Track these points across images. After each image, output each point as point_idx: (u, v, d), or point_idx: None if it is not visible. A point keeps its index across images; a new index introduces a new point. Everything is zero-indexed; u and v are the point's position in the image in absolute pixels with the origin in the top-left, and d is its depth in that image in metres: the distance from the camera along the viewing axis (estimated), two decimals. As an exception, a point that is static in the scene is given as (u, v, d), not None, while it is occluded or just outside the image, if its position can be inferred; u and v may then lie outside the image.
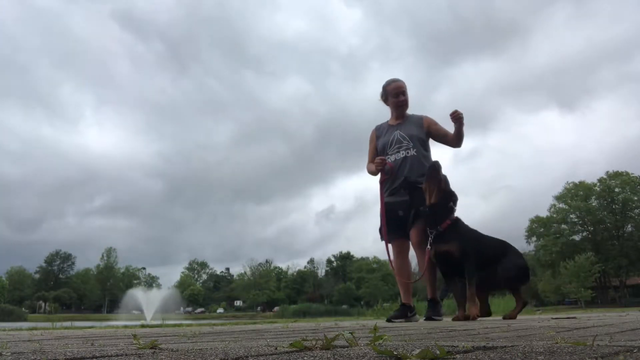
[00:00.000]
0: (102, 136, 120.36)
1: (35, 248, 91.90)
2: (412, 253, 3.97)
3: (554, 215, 50.15)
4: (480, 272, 3.45)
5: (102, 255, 77.79)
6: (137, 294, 40.66)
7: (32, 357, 0.94)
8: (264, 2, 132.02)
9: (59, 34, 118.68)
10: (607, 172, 49.44)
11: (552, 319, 3.59)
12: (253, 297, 75.13)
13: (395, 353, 0.86)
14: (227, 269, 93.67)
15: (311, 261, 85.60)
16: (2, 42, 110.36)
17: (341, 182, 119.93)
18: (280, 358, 0.87)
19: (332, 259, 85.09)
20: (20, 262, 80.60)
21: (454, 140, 3.89)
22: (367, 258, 76.70)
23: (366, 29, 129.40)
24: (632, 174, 47.92)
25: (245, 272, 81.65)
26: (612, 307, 31.64)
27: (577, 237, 49.97)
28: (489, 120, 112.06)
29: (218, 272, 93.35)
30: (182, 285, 79.93)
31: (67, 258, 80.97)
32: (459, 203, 3.66)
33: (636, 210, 47.26)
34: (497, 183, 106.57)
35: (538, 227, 50.29)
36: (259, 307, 74.63)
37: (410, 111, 4.19)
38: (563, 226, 49.85)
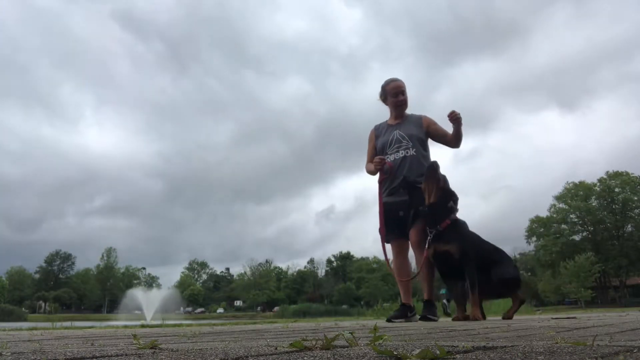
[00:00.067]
0: (102, 136, 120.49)
1: (35, 248, 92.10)
2: (411, 253, 3.96)
3: (554, 215, 50.22)
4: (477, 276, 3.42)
5: (102, 255, 77.98)
6: (137, 294, 40.69)
7: (32, 357, 0.94)
8: (264, 2, 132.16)
9: (59, 34, 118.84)
10: (607, 172, 49.57)
11: (552, 319, 3.59)
12: (253, 297, 75.15)
13: (395, 353, 0.86)
14: (227, 269, 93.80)
15: (311, 261, 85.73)
16: (2, 42, 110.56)
17: (341, 182, 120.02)
18: (280, 358, 0.87)
19: (332, 259, 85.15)
20: (20, 262, 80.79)
21: (453, 140, 3.90)
22: (367, 258, 76.68)
23: (366, 29, 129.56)
24: (632, 174, 48.04)
25: (245, 272, 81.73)
26: (612, 307, 31.68)
27: (577, 237, 50.06)
28: (489, 120, 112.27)
29: (218, 272, 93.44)
30: (182, 285, 79.91)
31: (67, 258, 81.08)
32: (459, 203, 3.66)
33: (636, 210, 47.32)
34: (497, 183, 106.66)
35: (538, 227, 50.37)
36: (259, 307, 74.62)
37: (409, 111, 4.19)
38: (563, 226, 49.93)
